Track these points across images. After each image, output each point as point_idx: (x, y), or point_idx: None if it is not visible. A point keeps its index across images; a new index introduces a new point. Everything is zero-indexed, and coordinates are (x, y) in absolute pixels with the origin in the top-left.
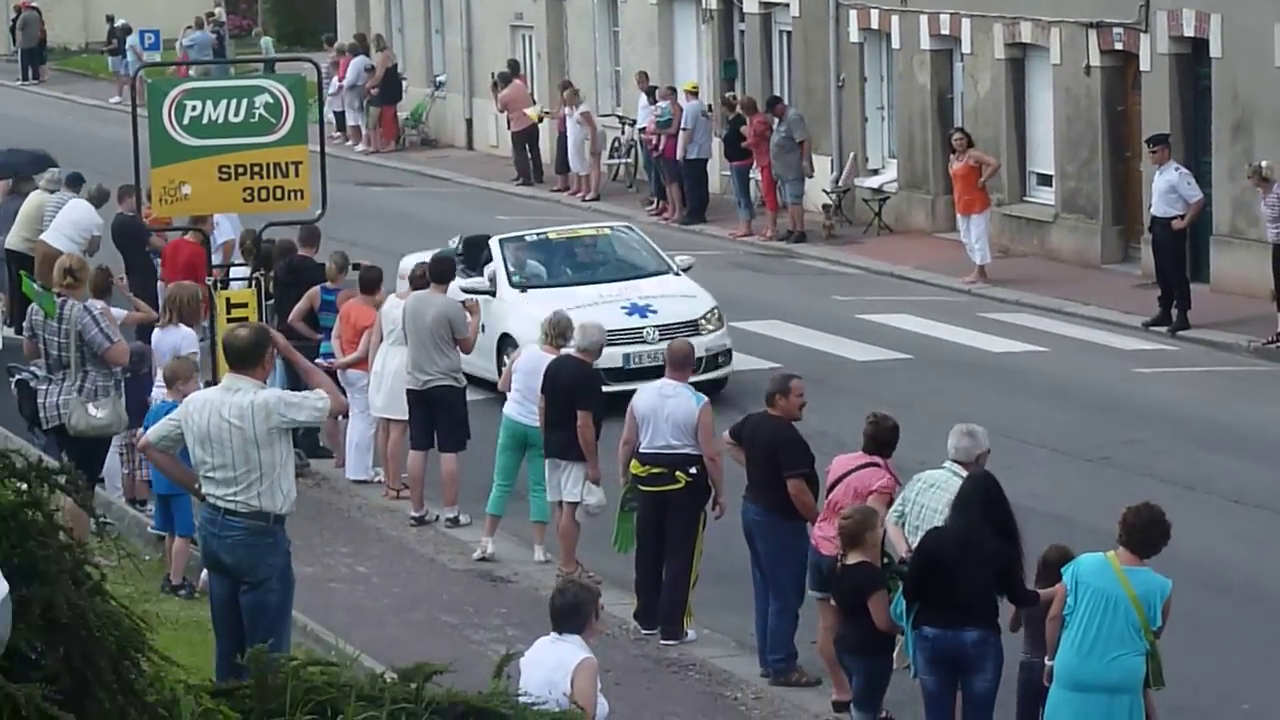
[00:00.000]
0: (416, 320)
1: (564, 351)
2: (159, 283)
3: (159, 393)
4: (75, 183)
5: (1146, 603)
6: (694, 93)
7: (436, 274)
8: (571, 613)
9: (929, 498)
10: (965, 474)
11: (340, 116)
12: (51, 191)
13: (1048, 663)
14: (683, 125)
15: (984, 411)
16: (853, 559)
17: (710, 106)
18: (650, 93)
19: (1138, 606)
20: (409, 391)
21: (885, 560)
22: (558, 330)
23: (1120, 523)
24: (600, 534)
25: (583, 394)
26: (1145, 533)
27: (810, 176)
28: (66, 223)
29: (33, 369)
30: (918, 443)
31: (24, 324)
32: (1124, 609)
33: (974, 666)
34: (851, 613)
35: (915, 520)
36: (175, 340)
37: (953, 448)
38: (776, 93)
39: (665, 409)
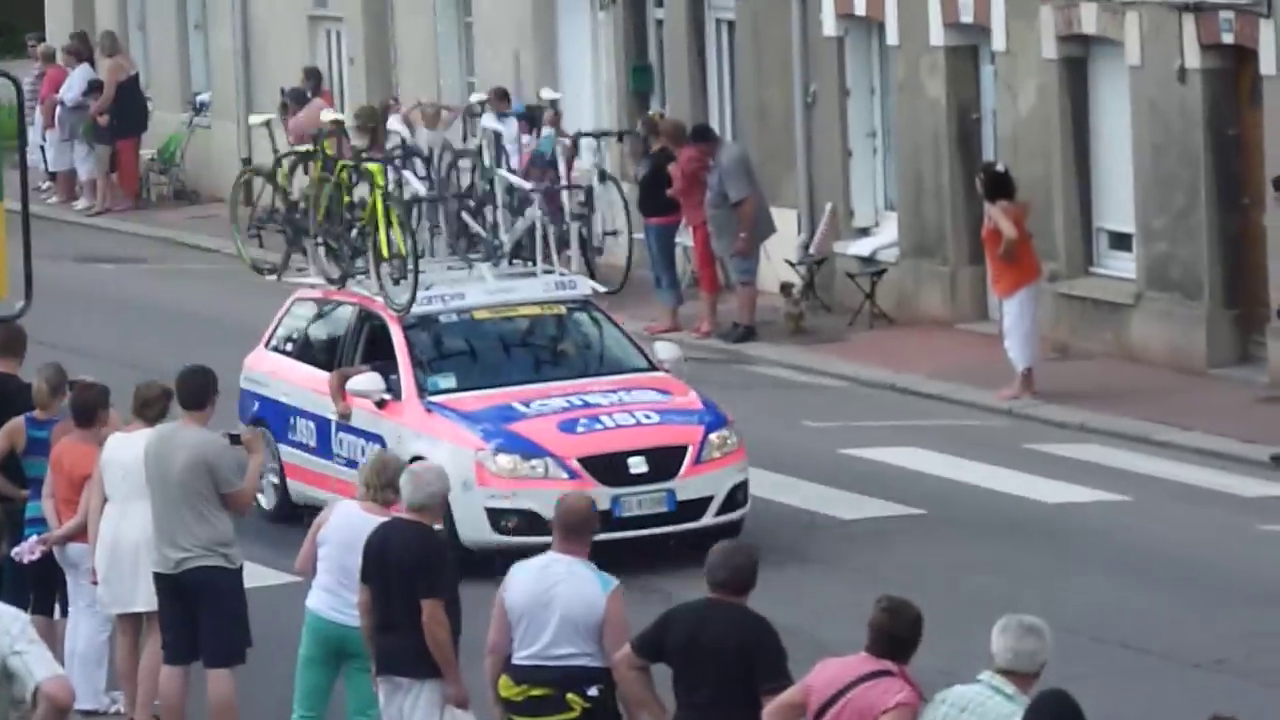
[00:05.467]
0: (160, 468)
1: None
2: None
3: None
4: None
5: None
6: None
7: (186, 396)
8: None
9: None
10: (1012, 691)
11: (45, 156)
12: None
13: None
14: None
15: (1035, 593)
16: None
17: (620, 135)
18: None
19: None
20: (156, 575)
21: None
22: (383, 479)
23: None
24: None
25: (425, 574)
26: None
27: (748, 255)
28: None
29: None
30: (934, 641)
31: None
32: None
33: None
34: None
35: None
36: None
37: (1007, 651)
38: (711, 115)
39: (552, 597)
